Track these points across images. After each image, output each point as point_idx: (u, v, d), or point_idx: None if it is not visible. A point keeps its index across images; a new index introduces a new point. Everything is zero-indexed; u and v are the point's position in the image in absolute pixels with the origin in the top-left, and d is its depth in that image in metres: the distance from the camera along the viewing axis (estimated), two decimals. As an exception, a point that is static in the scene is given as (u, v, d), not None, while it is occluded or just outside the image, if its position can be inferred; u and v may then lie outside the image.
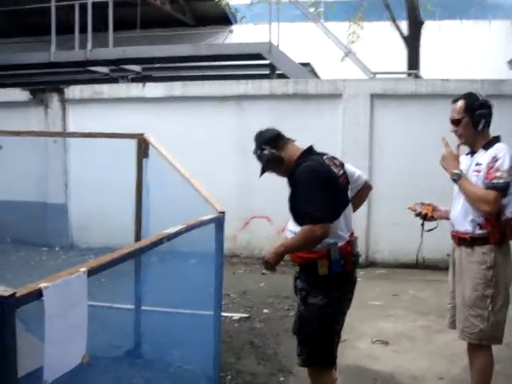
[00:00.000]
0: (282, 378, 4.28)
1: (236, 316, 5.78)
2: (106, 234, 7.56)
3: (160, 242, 2.81)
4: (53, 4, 11.08)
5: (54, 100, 9.15)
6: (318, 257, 3.05)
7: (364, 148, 7.89)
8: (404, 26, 13.71)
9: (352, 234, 3.20)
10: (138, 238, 4.42)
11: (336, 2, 16.00)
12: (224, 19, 15.78)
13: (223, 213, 3.61)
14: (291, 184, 3.18)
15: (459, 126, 3.32)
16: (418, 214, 3.67)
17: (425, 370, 4.40)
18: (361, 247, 7.64)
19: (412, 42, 13.26)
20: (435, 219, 3.68)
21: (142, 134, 4.44)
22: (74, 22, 11.06)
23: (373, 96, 7.90)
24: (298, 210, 3.07)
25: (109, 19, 11.02)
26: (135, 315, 4.47)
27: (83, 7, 11.03)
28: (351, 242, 3.16)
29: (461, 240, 3.37)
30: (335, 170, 3.14)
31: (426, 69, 13.33)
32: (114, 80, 12.43)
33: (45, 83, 11.21)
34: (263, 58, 10.58)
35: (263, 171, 3.34)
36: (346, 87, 7.97)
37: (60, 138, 8.91)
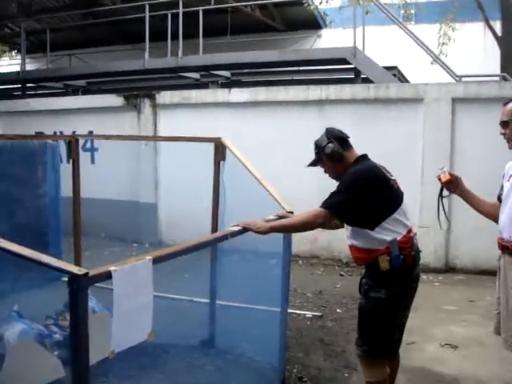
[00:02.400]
0: (346, 374, 4.42)
1: (309, 314, 5.95)
2: (191, 230, 7.87)
3: (225, 237, 3.07)
4: (147, 14, 11.68)
5: (146, 105, 9.68)
6: (378, 254, 3.18)
7: (445, 153, 7.78)
8: (498, 26, 13.34)
9: (410, 230, 3.28)
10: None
11: (427, 3, 15.80)
12: (313, 24, 15.93)
13: (292, 212, 3.80)
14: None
15: (507, 128, 3.11)
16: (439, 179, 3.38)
17: (492, 375, 4.39)
18: (440, 252, 7.72)
19: (506, 42, 12.85)
20: (451, 192, 3.41)
21: (220, 138, 4.68)
22: (167, 30, 11.62)
23: (454, 100, 7.80)
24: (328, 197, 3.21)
25: (199, 26, 11.48)
26: (210, 308, 4.75)
27: (175, 16, 11.57)
28: (410, 238, 3.25)
29: (504, 248, 3.15)
30: (387, 174, 3.28)
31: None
32: (205, 85, 12.91)
33: (139, 89, 11.85)
34: (348, 63, 10.66)
35: (315, 163, 3.45)
36: (428, 91, 7.91)
37: (151, 142, 9.42)
